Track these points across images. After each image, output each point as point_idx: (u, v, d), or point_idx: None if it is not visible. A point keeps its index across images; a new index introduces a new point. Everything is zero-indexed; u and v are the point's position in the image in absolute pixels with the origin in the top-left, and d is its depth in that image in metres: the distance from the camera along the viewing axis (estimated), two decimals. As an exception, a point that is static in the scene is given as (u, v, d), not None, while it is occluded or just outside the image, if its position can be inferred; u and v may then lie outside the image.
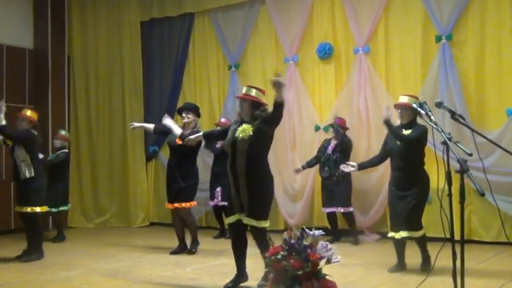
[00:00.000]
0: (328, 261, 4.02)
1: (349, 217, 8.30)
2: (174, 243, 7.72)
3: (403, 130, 5.98)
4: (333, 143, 8.31)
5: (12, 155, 7.19)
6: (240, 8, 10.13)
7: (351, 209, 8.26)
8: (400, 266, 6.02)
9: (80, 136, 11.05)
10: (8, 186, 9.82)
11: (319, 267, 3.97)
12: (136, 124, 7.96)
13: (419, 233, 5.91)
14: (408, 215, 5.83)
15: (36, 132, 7.38)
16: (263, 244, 5.05)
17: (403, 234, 5.86)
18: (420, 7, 8.34)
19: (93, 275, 6.23)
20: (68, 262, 7.04)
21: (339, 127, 8.24)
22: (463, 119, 4.21)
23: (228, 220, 5.35)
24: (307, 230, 4.08)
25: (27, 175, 7.05)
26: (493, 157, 7.44)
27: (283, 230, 6.30)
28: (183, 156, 7.35)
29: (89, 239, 9.06)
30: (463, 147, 3.97)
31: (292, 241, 4.01)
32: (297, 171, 8.58)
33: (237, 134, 5.18)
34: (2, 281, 5.99)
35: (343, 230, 8.48)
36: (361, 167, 6.39)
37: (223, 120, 9.11)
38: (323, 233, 4.14)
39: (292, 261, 3.92)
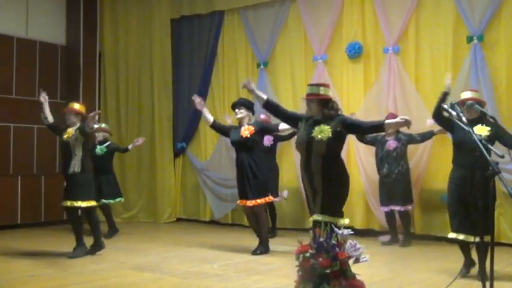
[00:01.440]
0: (357, 261, 4.04)
1: (404, 216, 8.04)
2: (201, 238, 7.76)
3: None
4: (391, 139, 8.03)
5: (65, 148, 7.17)
6: (270, 6, 10.15)
7: (409, 208, 8.02)
8: (469, 265, 5.80)
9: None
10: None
11: (347, 266, 3.99)
12: (200, 101, 7.52)
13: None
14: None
15: None
16: None
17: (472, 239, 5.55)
18: (452, 7, 8.27)
19: (121, 269, 6.32)
20: (96, 255, 7.14)
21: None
22: (495, 120, 4.18)
23: (310, 219, 5.05)
24: (335, 229, 4.10)
25: (77, 169, 7.04)
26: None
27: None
28: (250, 149, 7.22)
29: (117, 233, 9.16)
30: (494, 149, 3.94)
31: (321, 239, 4.03)
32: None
33: (314, 134, 4.93)
34: (33, 272, 6.12)
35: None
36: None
37: (262, 116, 8.89)
38: (352, 232, 4.15)
39: (320, 259, 3.95)
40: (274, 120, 9.37)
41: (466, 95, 5.84)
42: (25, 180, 10.06)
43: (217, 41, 10.85)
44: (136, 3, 11.52)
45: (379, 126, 4.96)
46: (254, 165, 7.22)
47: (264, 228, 7.39)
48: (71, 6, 10.85)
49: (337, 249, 3.96)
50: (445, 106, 4.71)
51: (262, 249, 7.28)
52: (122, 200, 9.42)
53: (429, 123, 7.62)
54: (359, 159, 8.76)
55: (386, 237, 8.19)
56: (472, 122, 5.37)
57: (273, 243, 7.66)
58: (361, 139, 8.23)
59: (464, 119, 4.25)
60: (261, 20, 10.29)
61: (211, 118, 7.53)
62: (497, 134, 5.47)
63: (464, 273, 5.71)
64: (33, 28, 10.40)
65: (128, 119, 11.47)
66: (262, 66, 10.18)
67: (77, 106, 7.38)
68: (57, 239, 8.39)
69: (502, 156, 3.93)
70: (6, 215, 9.76)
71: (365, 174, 8.70)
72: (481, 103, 5.54)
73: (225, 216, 10.36)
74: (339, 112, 5.13)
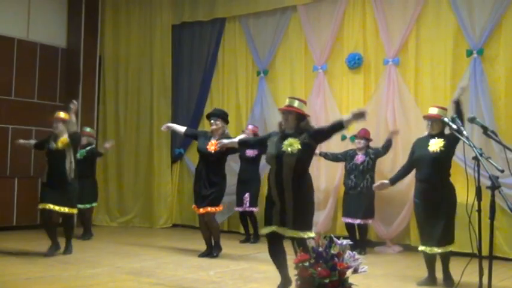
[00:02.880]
0: (355, 271, 4.05)
1: (362, 229, 8.26)
2: (197, 245, 7.78)
3: (432, 140, 5.90)
4: (360, 153, 8.30)
5: (55, 156, 7.27)
6: (271, 14, 10.20)
7: (369, 222, 8.26)
8: (431, 280, 5.91)
9: (108, 135, 11.17)
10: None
11: (346, 277, 4.00)
12: (169, 124, 7.97)
13: (449, 248, 5.78)
14: (442, 230, 5.70)
15: None
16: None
17: (435, 249, 5.73)
18: (452, 21, 8.32)
19: (117, 274, 6.30)
20: (92, 260, 7.12)
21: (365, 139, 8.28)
22: (496, 135, 4.20)
23: (265, 230, 5.19)
24: (335, 239, 4.11)
25: (72, 176, 7.28)
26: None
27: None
28: (212, 163, 7.40)
29: (112, 238, 9.16)
30: (494, 163, 3.96)
31: (320, 249, 4.03)
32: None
33: (284, 148, 5.03)
34: (29, 275, 6.09)
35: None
36: (393, 181, 6.16)
37: (250, 127, 9.14)
38: (351, 242, 4.16)
39: (319, 269, 3.95)
40: (266, 131, 9.55)
41: (433, 111, 6.01)
42: (22, 182, 10.04)
43: (217, 48, 10.89)
44: (138, 7, 11.56)
45: (339, 124, 5.00)
46: (212, 176, 7.39)
47: (215, 232, 7.61)
48: (72, 9, 10.87)
49: (336, 259, 3.97)
50: (446, 119, 4.75)
51: (217, 249, 7.59)
52: (95, 205, 9.41)
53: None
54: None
55: (385, 248, 8.27)
56: (433, 137, 5.88)
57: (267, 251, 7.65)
58: (336, 158, 8.59)
59: (465, 132, 4.28)
60: (262, 28, 10.33)
61: (182, 129, 7.73)
62: (451, 148, 5.80)
63: (422, 282, 5.90)
64: (34, 30, 10.40)
65: (126, 123, 11.47)
66: (262, 74, 10.21)
67: (62, 115, 7.45)
68: (40, 242, 8.35)
69: (502, 171, 3.95)
70: (3, 217, 9.74)
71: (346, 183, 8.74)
72: (440, 120, 5.68)
73: (222, 223, 10.34)
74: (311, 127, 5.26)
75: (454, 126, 4.38)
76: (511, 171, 4.53)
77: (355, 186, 8.20)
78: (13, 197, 9.94)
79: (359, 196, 8.15)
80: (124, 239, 9.27)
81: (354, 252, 4.10)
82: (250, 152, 8.92)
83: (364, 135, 8.32)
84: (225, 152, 7.18)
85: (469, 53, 8.10)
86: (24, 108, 10.14)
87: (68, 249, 7.46)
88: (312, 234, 4.96)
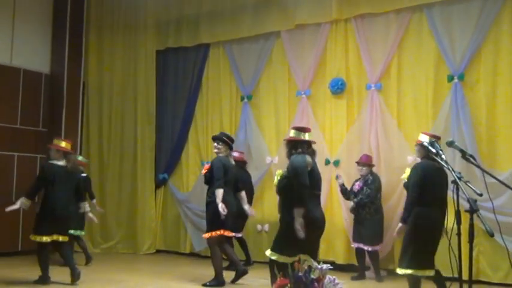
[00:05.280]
0: (335, 296, 4.03)
1: (372, 255, 8.11)
2: (180, 271, 7.67)
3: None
4: (359, 181, 8.25)
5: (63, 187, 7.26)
6: (255, 41, 10.27)
7: (378, 248, 8.09)
8: None
9: (91, 161, 11.09)
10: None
11: (326, 302, 3.98)
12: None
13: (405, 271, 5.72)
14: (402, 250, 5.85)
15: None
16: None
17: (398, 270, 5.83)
18: (433, 46, 8.42)
19: (98, 301, 6.23)
20: (73, 286, 7.02)
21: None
22: (474, 158, 4.22)
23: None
24: (314, 263, 4.09)
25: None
26: (503, 198, 7.41)
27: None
28: (207, 185, 7.49)
29: (95, 264, 9.04)
30: (473, 187, 3.97)
31: (300, 274, 4.01)
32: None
33: (275, 179, 5.83)
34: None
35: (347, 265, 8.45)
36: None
37: (236, 154, 9.00)
38: (331, 267, 4.15)
39: (299, 294, 3.93)
40: (250, 156, 9.55)
41: (421, 138, 6.07)
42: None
43: (201, 73, 10.92)
44: (122, 33, 11.57)
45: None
46: (208, 200, 7.36)
47: (216, 261, 7.38)
48: (56, 35, 10.83)
49: (316, 284, 3.94)
50: (425, 143, 4.80)
51: (215, 282, 7.29)
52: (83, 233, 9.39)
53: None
54: (340, 196, 8.75)
55: (371, 273, 8.19)
56: None
57: (253, 276, 7.63)
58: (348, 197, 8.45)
59: (443, 156, 4.31)
60: (246, 54, 10.39)
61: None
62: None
63: None
64: (17, 55, 10.35)
65: (110, 149, 11.41)
66: (246, 100, 10.24)
67: (63, 144, 7.41)
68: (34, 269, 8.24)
69: (481, 195, 3.95)
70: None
71: (346, 210, 8.68)
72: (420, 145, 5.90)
73: (206, 248, 10.25)
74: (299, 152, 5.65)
75: (433, 150, 4.40)
76: (490, 195, 4.55)
77: (358, 213, 8.12)
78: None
79: (364, 222, 8.06)
80: (107, 265, 9.17)
81: (334, 277, 4.08)
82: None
83: (366, 162, 8.25)
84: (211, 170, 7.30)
85: (450, 78, 8.18)
86: (6, 133, 10.05)
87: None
88: (275, 257, 5.38)
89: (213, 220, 7.27)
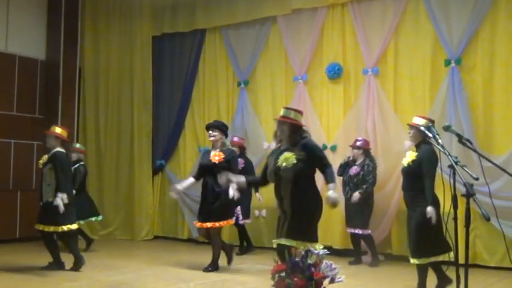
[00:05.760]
0: (332, 281, 4.03)
1: (367, 239, 8.12)
2: (178, 257, 7.69)
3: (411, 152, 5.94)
4: (356, 165, 8.18)
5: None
6: (251, 26, 10.23)
7: (369, 232, 8.08)
8: None
9: (88, 148, 11.05)
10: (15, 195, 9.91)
11: (323, 287, 3.98)
12: (178, 188, 7.53)
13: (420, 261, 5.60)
14: (413, 239, 5.69)
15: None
16: None
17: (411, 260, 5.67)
18: (430, 31, 8.39)
19: (97, 287, 6.24)
20: (71, 273, 7.05)
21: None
22: (470, 143, 4.22)
23: (274, 244, 5.22)
24: (311, 249, 4.10)
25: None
26: (500, 182, 7.44)
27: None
28: (217, 174, 7.18)
29: (93, 251, 9.06)
30: (469, 172, 3.97)
31: (297, 259, 4.02)
32: None
33: (279, 164, 5.10)
34: (6, 289, 6.03)
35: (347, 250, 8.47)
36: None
37: (236, 139, 9.04)
38: (327, 252, 4.15)
39: (296, 279, 3.94)
40: (247, 142, 9.52)
41: (416, 120, 5.93)
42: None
43: (198, 59, 10.88)
44: (118, 19, 11.50)
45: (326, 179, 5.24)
46: (217, 190, 7.21)
47: (217, 247, 7.37)
48: (51, 21, 10.76)
49: (312, 269, 3.95)
50: (422, 128, 4.79)
51: (213, 266, 7.31)
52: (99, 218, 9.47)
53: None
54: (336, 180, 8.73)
55: (368, 258, 8.19)
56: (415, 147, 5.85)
57: (250, 262, 7.65)
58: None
59: (440, 141, 4.30)
60: (242, 39, 10.35)
61: (190, 179, 7.51)
62: (420, 162, 5.71)
63: None
64: (13, 42, 10.29)
65: (106, 135, 11.40)
66: (242, 85, 10.22)
67: (58, 130, 7.33)
68: (35, 255, 8.26)
69: (477, 179, 3.96)
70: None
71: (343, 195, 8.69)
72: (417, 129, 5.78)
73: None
74: (306, 136, 5.30)
75: (430, 135, 4.40)
76: (486, 180, 4.56)
77: (350, 197, 8.07)
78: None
79: (355, 207, 8.03)
80: (105, 251, 9.18)
81: (330, 262, 4.08)
82: (240, 164, 8.78)
83: (360, 146, 8.21)
84: (227, 163, 7.18)
85: (447, 63, 8.16)
86: (3, 120, 10.02)
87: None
88: (311, 245, 4.75)
89: (225, 210, 7.30)
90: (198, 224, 7.35)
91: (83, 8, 11.17)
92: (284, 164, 5.03)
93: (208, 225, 7.22)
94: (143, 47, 11.38)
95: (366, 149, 8.22)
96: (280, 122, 5.31)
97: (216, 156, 7.27)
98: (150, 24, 11.41)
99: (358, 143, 8.20)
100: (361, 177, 8.05)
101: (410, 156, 5.85)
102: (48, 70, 10.73)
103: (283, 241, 4.94)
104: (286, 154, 5.07)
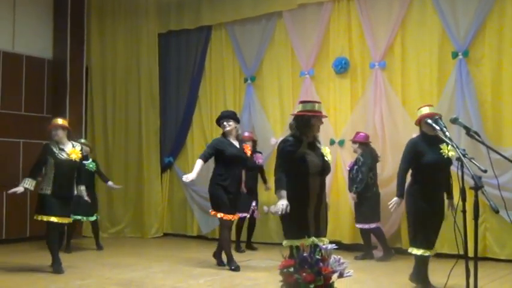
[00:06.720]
0: (341, 276, 4.02)
1: (376, 233, 8.09)
2: (187, 253, 7.69)
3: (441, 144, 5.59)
4: (351, 160, 8.28)
5: (69, 167, 7.13)
6: (257, 21, 10.20)
7: (375, 225, 8.02)
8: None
9: (96, 146, 11.11)
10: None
11: (331, 281, 3.97)
12: (189, 176, 7.09)
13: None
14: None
15: None
16: None
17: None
18: (437, 23, 8.35)
19: (106, 285, 6.25)
20: (81, 271, 7.08)
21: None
22: (478, 135, 4.20)
23: (306, 242, 4.81)
24: (319, 244, 4.08)
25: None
26: (509, 174, 7.40)
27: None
28: (241, 167, 7.36)
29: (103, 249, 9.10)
30: (477, 164, 3.96)
31: (305, 254, 4.01)
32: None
33: (326, 158, 5.19)
34: (16, 288, 6.06)
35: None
36: (401, 195, 5.80)
37: (247, 134, 9.02)
38: (336, 246, 4.14)
39: (304, 274, 3.93)
40: (258, 135, 9.52)
41: (426, 110, 5.66)
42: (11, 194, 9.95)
43: (204, 55, 10.87)
44: (123, 17, 11.52)
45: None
46: (240, 182, 7.37)
47: (226, 243, 7.26)
48: (58, 20, 10.79)
49: (321, 264, 3.94)
50: (430, 121, 4.76)
51: (234, 264, 7.18)
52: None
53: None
54: (346, 175, 8.73)
55: (379, 253, 8.16)
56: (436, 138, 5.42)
57: (259, 258, 7.64)
58: None
59: (447, 133, 4.28)
60: (248, 35, 10.33)
61: (200, 163, 7.17)
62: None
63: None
64: (19, 42, 10.32)
65: (114, 133, 11.42)
66: (249, 81, 10.21)
67: (60, 121, 7.28)
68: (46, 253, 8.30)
69: (485, 171, 3.95)
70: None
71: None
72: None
73: (212, 231, 10.30)
74: None
75: (437, 127, 4.37)
76: (495, 172, 4.53)
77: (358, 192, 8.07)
78: (2, 210, 9.84)
79: (359, 202, 8.05)
80: (114, 250, 9.22)
81: (339, 256, 4.07)
82: (259, 160, 8.97)
83: (355, 139, 8.21)
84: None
85: (455, 55, 8.11)
86: (11, 120, 10.06)
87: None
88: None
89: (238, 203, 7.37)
90: (231, 217, 7.14)
91: (88, 6, 11.21)
92: (329, 157, 5.21)
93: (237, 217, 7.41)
94: (149, 44, 11.39)
95: (361, 143, 8.14)
96: (319, 119, 5.22)
97: (248, 149, 7.42)
98: (156, 22, 11.41)
99: (354, 138, 8.23)
100: (355, 172, 8.06)
101: (445, 148, 5.56)
102: (55, 69, 10.76)
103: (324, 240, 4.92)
104: (324, 149, 5.24)
